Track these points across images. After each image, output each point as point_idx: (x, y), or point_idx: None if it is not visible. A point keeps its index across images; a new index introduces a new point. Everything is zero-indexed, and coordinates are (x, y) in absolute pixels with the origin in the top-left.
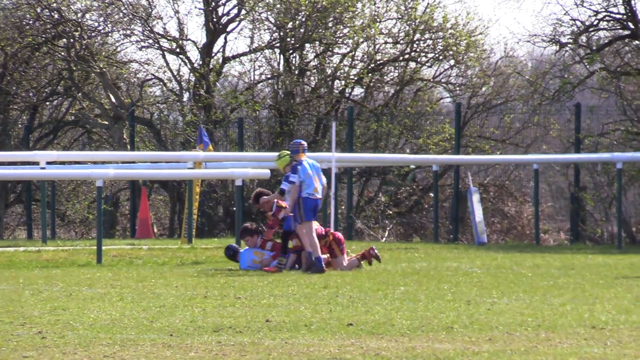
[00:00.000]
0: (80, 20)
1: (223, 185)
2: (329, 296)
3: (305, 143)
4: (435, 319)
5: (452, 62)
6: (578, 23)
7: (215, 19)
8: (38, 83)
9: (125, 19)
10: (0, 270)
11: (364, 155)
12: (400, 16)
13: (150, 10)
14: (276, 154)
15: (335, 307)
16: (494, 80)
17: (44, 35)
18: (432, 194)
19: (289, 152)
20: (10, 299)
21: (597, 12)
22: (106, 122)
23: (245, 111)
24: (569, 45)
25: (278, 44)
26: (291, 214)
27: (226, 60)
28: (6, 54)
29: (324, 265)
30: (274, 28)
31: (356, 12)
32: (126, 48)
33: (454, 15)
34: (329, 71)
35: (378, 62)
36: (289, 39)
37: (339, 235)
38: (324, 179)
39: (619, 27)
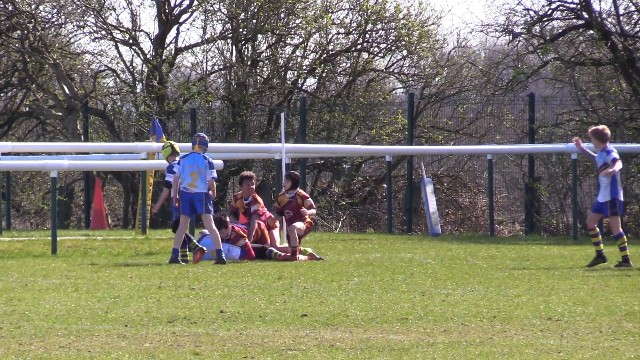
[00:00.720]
0: (34, 11)
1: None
2: (283, 287)
3: (203, 136)
4: (389, 310)
5: (404, 52)
6: (531, 13)
7: (167, 10)
8: None
9: (78, 10)
10: None
11: (316, 146)
12: (352, 6)
13: (103, 1)
14: (230, 144)
15: (289, 298)
16: (447, 71)
17: None
18: (385, 185)
19: (170, 143)
20: None
21: (550, 2)
22: (60, 114)
23: (198, 102)
24: (523, 35)
25: (230, 35)
26: (176, 205)
27: (179, 51)
28: None
29: (177, 257)
30: (226, 19)
31: (308, 3)
32: (79, 39)
33: (406, 6)
34: (281, 62)
35: (330, 53)
36: (241, 30)
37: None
38: (212, 173)
39: (573, 17)
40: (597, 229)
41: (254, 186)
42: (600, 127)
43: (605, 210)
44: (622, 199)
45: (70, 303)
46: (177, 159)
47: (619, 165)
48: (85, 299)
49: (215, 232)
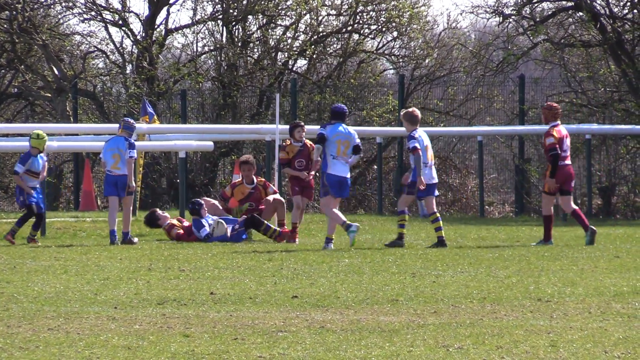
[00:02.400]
0: None
1: (166, 157)
2: (274, 269)
3: (127, 121)
4: (380, 292)
5: (395, 34)
6: None
7: None
8: None
9: None
10: None
11: (307, 127)
12: None
13: None
14: (221, 125)
15: (280, 279)
16: (438, 52)
17: None
18: (375, 166)
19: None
20: None
21: None
22: (49, 95)
23: (189, 83)
24: (513, 17)
25: (221, 16)
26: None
27: (169, 32)
28: None
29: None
30: (217, 0)
31: None
32: (69, 20)
33: None
34: (272, 43)
35: (321, 34)
36: (231, 11)
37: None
38: (130, 153)
39: None
40: (437, 214)
41: (254, 171)
42: (411, 109)
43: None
44: (423, 181)
45: (59, 285)
46: None
47: (415, 156)
48: (74, 281)
49: (129, 215)
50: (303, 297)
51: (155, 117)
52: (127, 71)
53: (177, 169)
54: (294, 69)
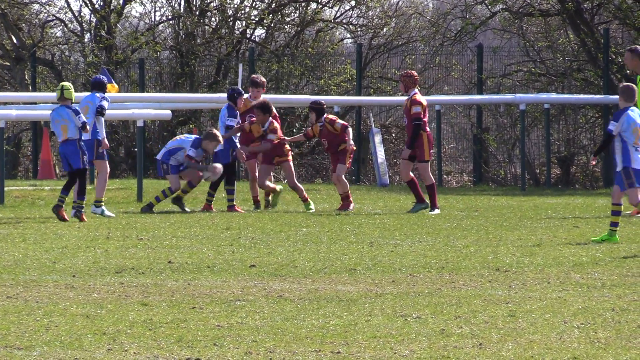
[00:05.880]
0: None
1: (124, 126)
2: (232, 238)
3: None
4: (338, 261)
5: (353, 2)
6: None
7: None
8: None
9: None
10: None
11: (265, 96)
12: None
13: None
14: (179, 94)
15: (237, 248)
16: (395, 21)
17: None
18: None
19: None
20: None
21: None
22: (8, 63)
23: (146, 52)
24: None
25: None
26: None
27: (127, 1)
28: None
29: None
30: None
31: None
32: None
33: None
34: (230, 12)
35: (279, 3)
36: None
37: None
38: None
39: None
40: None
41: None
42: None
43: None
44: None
45: (18, 253)
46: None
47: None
48: (32, 249)
49: (104, 182)
50: (261, 266)
51: (115, 85)
52: (86, 40)
53: (135, 138)
54: (252, 37)
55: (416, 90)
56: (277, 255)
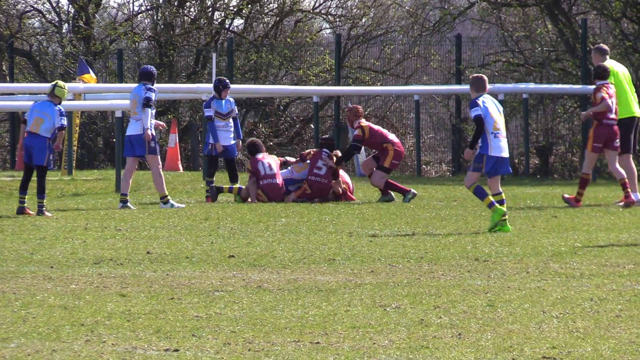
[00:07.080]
0: None
1: (103, 116)
2: (210, 228)
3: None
4: (317, 251)
5: None
6: None
7: None
8: None
9: None
10: None
11: (244, 86)
12: None
13: None
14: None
15: (216, 239)
16: (374, 12)
17: None
18: (312, 125)
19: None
20: None
21: None
22: None
23: (125, 43)
24: None
25: None
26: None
27: None
28: None
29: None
30: None
31: None
32: None
33: None
34: (208, 2)
35: None
36: None
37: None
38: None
39: None
40: None
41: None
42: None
43: None
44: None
45: None
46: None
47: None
48: (10, 240)
49: (160, 177)
50: (240, 257)
51: (93, 76)
52: (64, 31)
53: (114, 129)
54: (231, 28)
55: (361, 119)
56: (256, 246)
